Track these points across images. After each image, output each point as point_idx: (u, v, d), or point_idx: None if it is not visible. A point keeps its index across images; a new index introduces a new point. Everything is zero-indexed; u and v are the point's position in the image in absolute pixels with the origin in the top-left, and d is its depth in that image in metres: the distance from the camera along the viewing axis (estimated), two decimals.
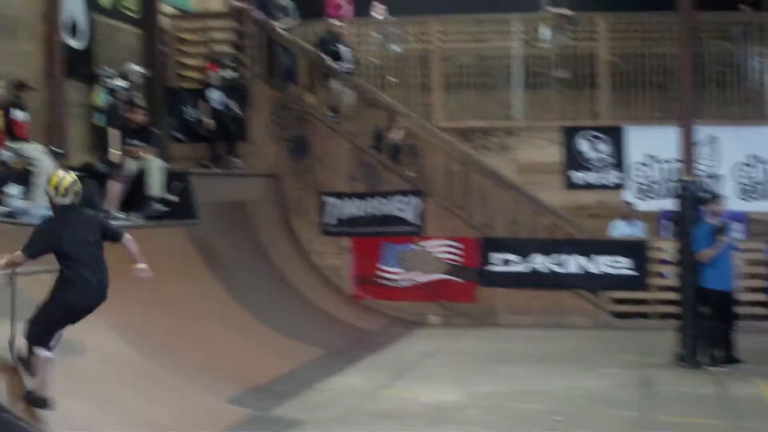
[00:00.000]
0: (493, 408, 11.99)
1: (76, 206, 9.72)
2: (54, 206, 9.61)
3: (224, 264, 16.37)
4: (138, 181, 15.70)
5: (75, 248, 9.36)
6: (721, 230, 14.52)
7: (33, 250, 9.33)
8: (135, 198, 15.59)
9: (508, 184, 19.29)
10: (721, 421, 11.39)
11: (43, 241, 9.35)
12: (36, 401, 9.28)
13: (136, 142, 15.92)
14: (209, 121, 18.74)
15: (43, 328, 9.33)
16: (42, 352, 9.26)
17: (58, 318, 9.42)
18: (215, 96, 18.91)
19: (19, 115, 14.26)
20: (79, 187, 9.71)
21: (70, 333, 9.87)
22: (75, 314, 9.50)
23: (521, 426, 11.22)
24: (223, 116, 18.86)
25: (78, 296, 9.39)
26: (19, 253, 9.34)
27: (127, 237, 9.90)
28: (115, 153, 15.28)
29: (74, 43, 16.98)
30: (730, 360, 14.27)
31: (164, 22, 19.91)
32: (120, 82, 15.74)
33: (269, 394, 12.33)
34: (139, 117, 16.23)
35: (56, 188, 9.54)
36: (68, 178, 9.64)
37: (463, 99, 21.08)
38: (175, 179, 16.08)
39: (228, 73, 19.59)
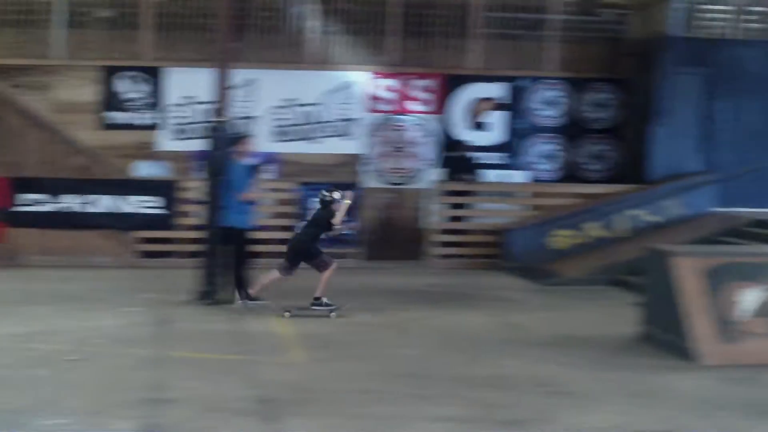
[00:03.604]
0: (6, 350, 11.64)
1: None
2: None
3: None
4: None
5: None
6: (254, 170, 14.79)
7: None
8: None
9: (42, 124, 18.77)
10: (232, 355, 11.72)
11: None
12: None
13: None
14: None
15: None
16: None
17: None
18: None
19: None
20: None
21: None
22: None
23: (36, 367, 10.84)
24: None
25: None
26: None
27: None
28: None
29: None
30: (249, 297, 14.53)
31: None
32: None
33: None
34: None
35: None
36: None
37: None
38: None
39: None
